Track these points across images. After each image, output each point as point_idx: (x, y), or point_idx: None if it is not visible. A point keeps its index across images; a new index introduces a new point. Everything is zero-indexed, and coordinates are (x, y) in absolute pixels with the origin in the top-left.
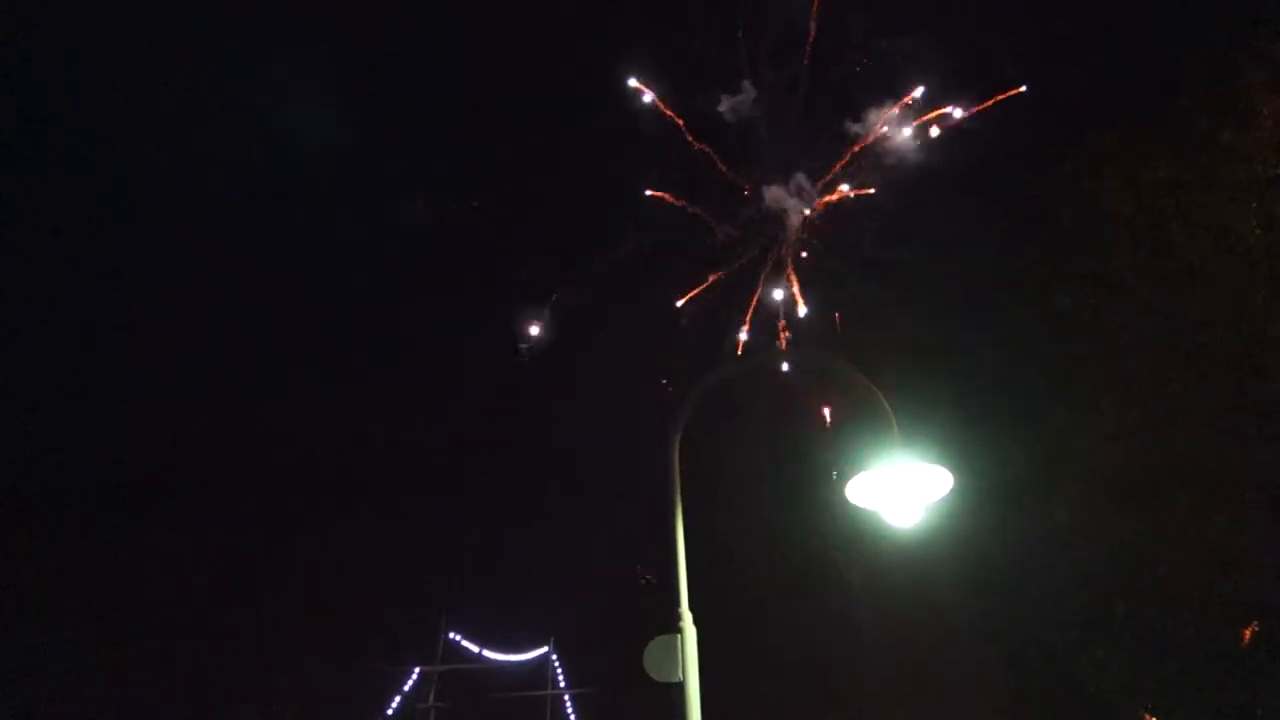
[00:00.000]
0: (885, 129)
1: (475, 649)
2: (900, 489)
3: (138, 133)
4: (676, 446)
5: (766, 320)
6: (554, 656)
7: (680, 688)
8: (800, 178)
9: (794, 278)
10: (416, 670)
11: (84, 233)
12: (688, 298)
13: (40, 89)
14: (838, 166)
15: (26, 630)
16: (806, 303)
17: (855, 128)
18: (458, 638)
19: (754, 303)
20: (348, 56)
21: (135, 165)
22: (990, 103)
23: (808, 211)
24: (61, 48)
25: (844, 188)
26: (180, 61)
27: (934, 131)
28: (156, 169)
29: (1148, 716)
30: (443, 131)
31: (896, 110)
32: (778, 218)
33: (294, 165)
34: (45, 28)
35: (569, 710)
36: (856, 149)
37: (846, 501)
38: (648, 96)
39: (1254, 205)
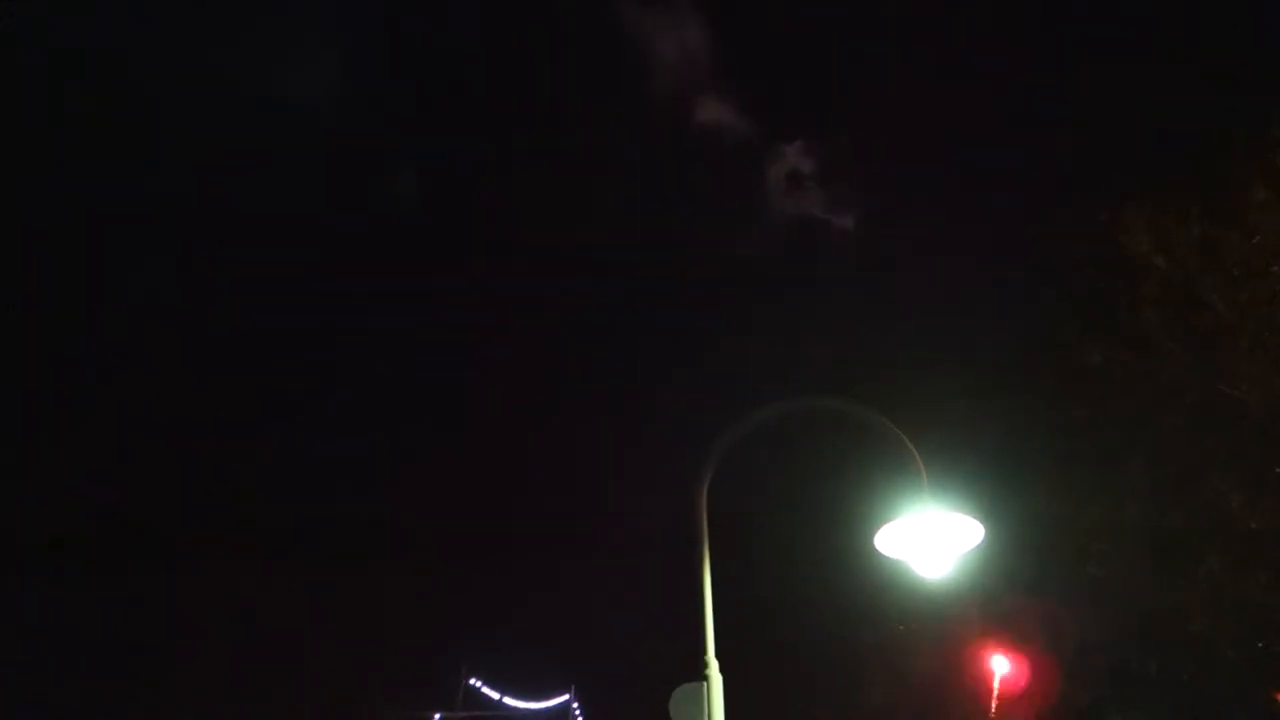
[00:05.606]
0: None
1: (496, 695)
2: (930, 539)
3: None
4: (705, 492)
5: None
6: (575, 704)
7: None
8: None
9: None
10: (438, 716)
11: None
12: None
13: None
14: None
15: None
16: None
17: None
18: (478, 684)
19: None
20: None
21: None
22: None
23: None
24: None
25: None
26: None
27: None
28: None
29: None
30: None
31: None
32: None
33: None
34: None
35: None
36: None
37: (876, 551)
38: None
39: None
